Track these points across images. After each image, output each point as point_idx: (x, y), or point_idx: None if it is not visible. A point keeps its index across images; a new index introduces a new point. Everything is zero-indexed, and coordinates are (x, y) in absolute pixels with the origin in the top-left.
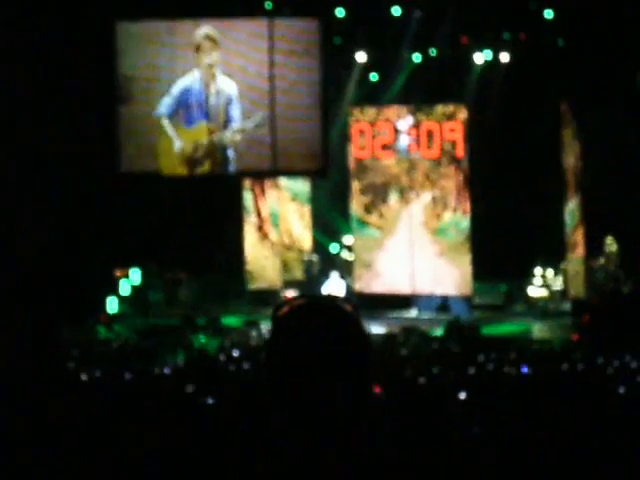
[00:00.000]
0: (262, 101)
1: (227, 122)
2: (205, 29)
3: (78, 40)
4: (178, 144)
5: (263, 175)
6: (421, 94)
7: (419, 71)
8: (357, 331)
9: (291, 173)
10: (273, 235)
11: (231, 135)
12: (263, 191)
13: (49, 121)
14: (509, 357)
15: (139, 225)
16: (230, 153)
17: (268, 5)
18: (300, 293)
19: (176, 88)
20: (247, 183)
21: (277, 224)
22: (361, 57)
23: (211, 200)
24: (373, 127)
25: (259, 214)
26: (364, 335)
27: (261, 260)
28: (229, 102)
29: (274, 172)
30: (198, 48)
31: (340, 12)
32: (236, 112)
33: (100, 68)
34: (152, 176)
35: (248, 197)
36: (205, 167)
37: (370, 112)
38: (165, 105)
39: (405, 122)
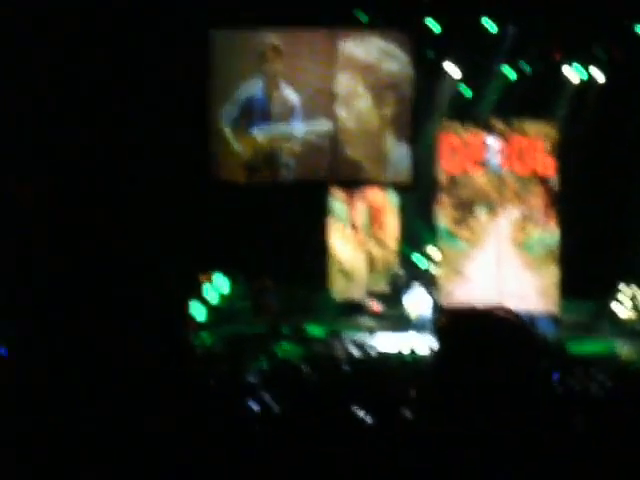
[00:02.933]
0: (326, 112)
1: (289, 131)
2: (271, 38)
3: (173, 48)
4: (238, 150)
5: (348, 184)
6: (513, 109)
7: (512, 86)
8: (530, 339)
9: (376, 184)
10: (369, 245)
11: (291, 144)
12: (354, 201)
13: (144, 128)
14: (594, 376)
15: (226, 231)
16: (289, 161)
17: (363, 18)
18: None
19: (239, 95)
20: (338, 194)
21: (370, 234)
22: (453, 70)
23: (298, 208)
24: (464, 142)
25: (354, 225)
26: (538, 341)
27: (356, 270)
28: (291, 111)
29: (358, 182)
30: (263, 56)
31: (433, 25)
32: (298, 121)
33: (193, 75)
34: (239, 183)
35: (339, 207)
36: (264, 174)
37: (461, 127)
38: (228, 111)
39: (496, 138)
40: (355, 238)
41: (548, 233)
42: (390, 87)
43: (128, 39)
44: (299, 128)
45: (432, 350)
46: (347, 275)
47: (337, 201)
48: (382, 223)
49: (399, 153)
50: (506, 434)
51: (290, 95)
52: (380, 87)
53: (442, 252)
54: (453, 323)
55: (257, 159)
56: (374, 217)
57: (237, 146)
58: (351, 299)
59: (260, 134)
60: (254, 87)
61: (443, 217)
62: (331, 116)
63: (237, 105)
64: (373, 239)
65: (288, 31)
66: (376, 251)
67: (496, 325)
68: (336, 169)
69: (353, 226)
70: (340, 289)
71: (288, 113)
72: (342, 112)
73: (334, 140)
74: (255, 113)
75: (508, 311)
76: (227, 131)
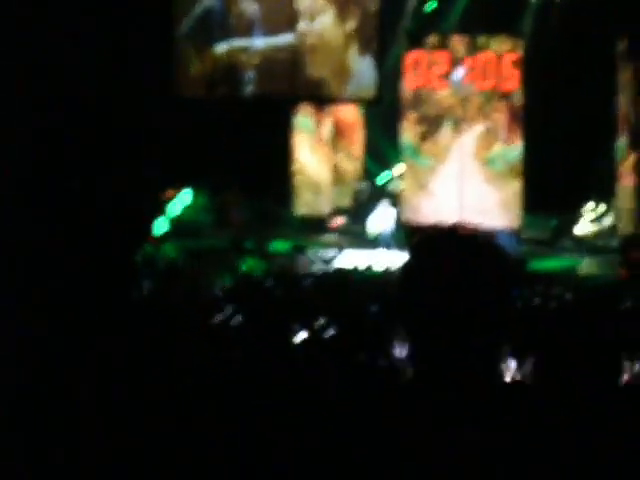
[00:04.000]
0: (288, 26)
1: (249, 45)
2: None
3: None
4: (197, 65)
5: (311, 100)
6: (478, 25)
7: (476, 2)
8: (500, 259)
9: (339, 100)
10: (334, 159)
11: (249, 57)
12: (320, 116)
13: (106, 45)
14: (554, 292)
15: (191, 147)
16: (250, 76)
17: None
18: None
19: (197, 9)
20: (304, 108)
21: (336, 149)
22: None
23: (263, 123)
24: (428, 57)
25: (320, 138)
26: (506, 262)
27: (322, 184)
28: (251, 24)
29: (321, 99)
30: None
31: None
32: (258, 35)
33: None
34: (205, 100)
35: (306, 121)
36: (224, 89)
37: (426, 41)
38: (186, 26)
39: (461, 52)
40: (321, 152)
41: (511, 148)
42: (353, 1)
43: None
44: (259, 42)
45: (402, 267)
46: (313, 189)
47: (303, 115)
48: (348, 138)
49: (363, 68)
50: (469, 353)
51: (250, 8)
52: (343, 1)
53: (407, 167)
54: (423, 240)
55: (217, 74)
56: (340, 131)
57: (196, 61)
58: (316, 214)
59: (220, 48)
60: (211, 0)
61: (408, 133)
62: (294, 30)
63: (195, 19)
64: (339, 153)
65: None
66: (341, 166)
67: (465, 241)
68: (299, 85)
69: (319, 140)
70: (305, 204)
71: (248, 26)
72: (305, 26)
73: (297, 55)
74: (214, 27)
75: (474, 230)
76: (184, 46)
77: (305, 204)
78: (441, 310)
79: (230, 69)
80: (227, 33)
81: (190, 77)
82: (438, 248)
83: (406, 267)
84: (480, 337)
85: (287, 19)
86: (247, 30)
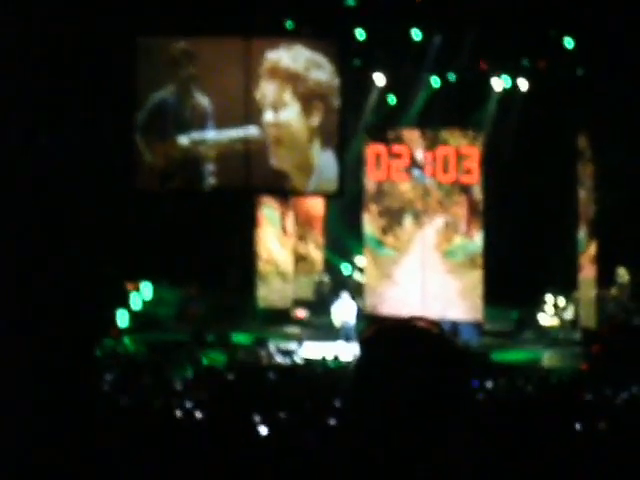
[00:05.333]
0: (248, 119)
1: (201, 137)
2: (182, 44)
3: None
4: (149, 158)
5: (273, 193)
6: (438, 119)
7: (437, 95)
8: (452, 352)
9: (304, 194)
10: (297, 251)
11: (205, 149)
12: (284, 208)
13: (66, 134)
14: (517, 384)
15: (151, 240)
16: (208, 168)
17: (289, 25)
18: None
19: (150, 102)
20: (267, 200)
21: (299, 241)
22: (379, 79)
23: (224, 215)
24: (389, 150)
25: (284, 229)
26: (460, 355)
27: (287, 274)
28: (204, 117)
29: (283, 191)
30: (175, 62)
31: (360, 34)
32: (211, 128)
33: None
34: (164, 192)
35: (270, 213)
36: (179, 181)
37: (386, 135)
38: (139, 118)
39: (421, 146)
40: (285, 243)
41: (470, 240)
42: (317, 96)
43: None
44: (215, 134)
45: (354, 361)
46: (276, 280)
47: (267, 207)
48: (312, 229)
49: (326, 162)
50: (422, 445)
51: (203, 101)
52: (307, 96)
53: (369, 259)
54: (374, 335)
55: (171, 166)
56: (304, 223)
57: (148, 154)
58: (278, 306)
59: (175, 141)
60: (165, 93)
61: (370, 225)
62: (255, 123)
63: (147, 112)
64: (302, 245)
65: (202, 37)
66: (305, 257)
67: (415, 337)
68: (262, 177)
69: (283, 231)
70: (267, 296)
71: (202, 119)
72: (268, 120)
73: (260, 147)
74: (167, 120)
75: (429, 322)
76: (138, 138)
77: (267, 296)
78: (392, 406)
79: (186, 162)
80: (181, 126)
81: (144, 169)
82: (387, 342)
83: (357, 363)
84: (434, 430)
85: (244, 112)
86: (201, 123)
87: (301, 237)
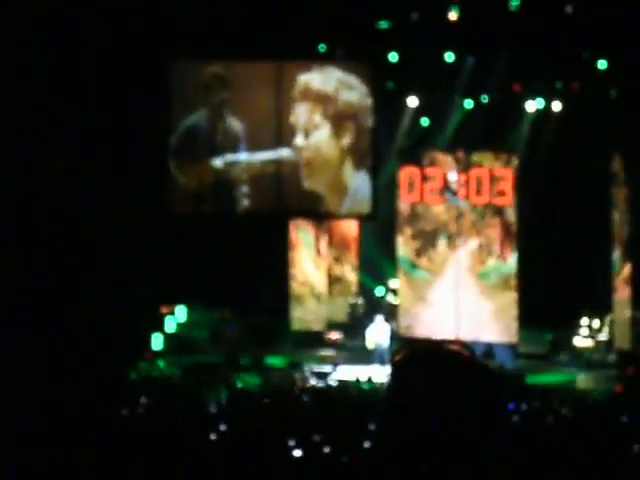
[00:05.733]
0: (282, 141)
1: (235, 159)
2: (215, 69)
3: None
4: (182, 181)
5: (307, 216)
6: (471, 141)
7: (470, 117)
8: (483, 375)
9: (338, 217)
10: (331, 274)
11: (238, 172)
12: (318, 230)
13: (99, 162)
14: (552, 406)
15: (185, 263)
16: (241, 191)
17: (321, 48)
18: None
19: (182, 126)
20: (300, 221)
21: (333, 263)
22: (412, 102)
23: (258, 237)
24: (422, 172)
25: (319, 252)
26: (492, 378)
27: (322, 296)
28: (236, 140)
29: (319, 214)
30: (207, 87)
31: (393, 56)
32: (244, 151)
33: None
34: (198, 215)
35: (306, 235)
36: (211, 205)
37: (420, 157)
38: (171, 143)
39: (454, 168)
40: (320, 266)
41: (504, 262)
42: (349, 117)
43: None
44: (247, 157)
45: (386, 384)
46: (311, 303)
47: (301, 230)
48: (346, 252)
49: (360, 184)
50: (455, 469)
51: (235, 124)
52: (339, 117)
53: (403, 281)
54: (405, 359)
55: (204, 189)
56: (339, 245)
57: (182, 177)
58: (311, 329)
59: (207, 164)
60: (197, 117)
61: (404, 247)
62: (287, 145)
63: (180, 135)
64: (337, 267)
65: (234, 61)
66: (339, 280)
67: (447, 360)
68: (295, 199)
69: (318, 254)
70: (301, 319)
71: (234, 142)
72: (299, 142)
73: (292, 170)
74: (199, 143)
75: (461, 344)
76: (171, 162)
77: (301, 318)
78: (424, 431)
79: (219, 185)
80: (213, 149)
81: (178, 193)
82: (418, 366)
83: (388, 387)
84: (467, 455)
85: (276, 135)
86: (233, 146)
87: (337, 259)
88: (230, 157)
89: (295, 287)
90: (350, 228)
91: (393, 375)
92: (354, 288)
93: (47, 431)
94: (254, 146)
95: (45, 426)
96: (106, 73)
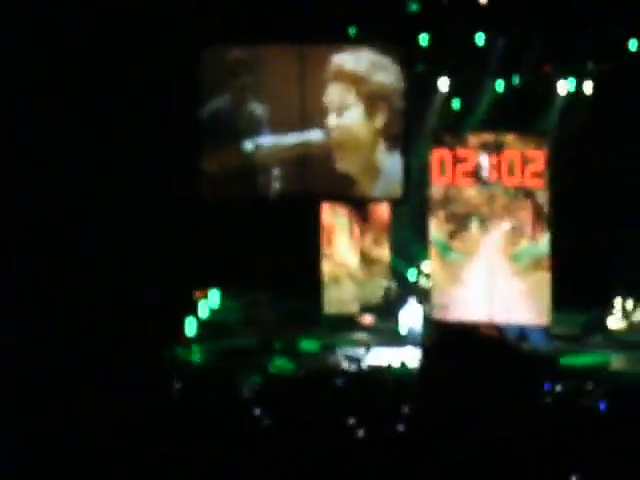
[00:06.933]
0: (316, 123)
1: (265, 142)
2: (237, 53)
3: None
4: (208, 167)
5: (339, 200)
6: (503, 123)
7: (502, 99)
8: (514, 358)
9: (370, 200)
10: (365, 257)
11: (268, 155)
12: (352, 213)
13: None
14: (586, 388)
15: (218, 247)
16: (272, 174)
17: (352, 31)
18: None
19: (204, 111)
20: (335, 206)
21: (366, 246)
22: (443, 84)
23: (290, 220)
24: (454, 155)
25: (352, 233)
26: (523, 361)
27: (345, 281)
28: (259, 124)
29: (351, 197)
30: (231, 71)
31: (424, 39)
32: (266, 134)
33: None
34: (229, 200)
35: (340, 217)
36: (238, 189)
37: (451, 140)
38: (199, 128)
39: (486, 150)
40: (353, 249)
41: (536, 244)
42: (382, 98)
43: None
44: (274, 141)
45: (419, 367)
46: (343, 286)
47: (335, 211)
48: (383, 233)
49: (392, 166)
50: (492, 448)
51: (258, 109)
52: (371, 98)
53: (437, 263)
54: (439, 341)
55: (228, 174)
56: (375, 227)
57: (209, 162)
58: (344, 312)
59: (232, 148)
60: (221, 101)
61: (437, 230)
62: (317, 127)
63: (205, 121)
64: (374, 249)
65: (258, 45)
66: (375, 261)
67: (477, 344)
68: (326, 181)
69: (351, 237)
70: (334, 302)
71: (257, 126)
72: (331, 123)
73: (322, 152)
74: (222, 128)
75: (493, 328)
76: (200, 148)
77: (336, 300)
78: (455, 412)
79: (247, 169)
80: (237, 134)
81: (206, 178)
82: (449, 350)
83: (420, 370)
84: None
85: (300, 118)
86: (257, 130)
87: (372, 241)
88: (257, 140)
89: (329, 269)
90: (384, 210)
91: (425, 358)
92: (388, 271)
93: (83, 418)
94: (278, 129)
95: (80, 412)
96: (135, 59)
